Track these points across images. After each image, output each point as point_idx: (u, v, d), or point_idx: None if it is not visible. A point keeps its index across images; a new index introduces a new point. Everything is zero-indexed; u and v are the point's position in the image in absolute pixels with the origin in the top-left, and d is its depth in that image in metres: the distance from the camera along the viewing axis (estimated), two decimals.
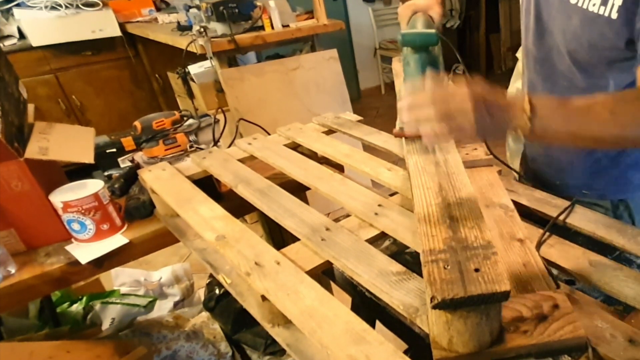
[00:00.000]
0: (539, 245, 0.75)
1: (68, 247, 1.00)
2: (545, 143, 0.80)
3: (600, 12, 0.78)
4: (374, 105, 4.96)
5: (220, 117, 1.34)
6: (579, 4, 0.81)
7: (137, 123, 1.20)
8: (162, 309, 1.77)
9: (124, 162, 1.36)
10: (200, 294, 1.84)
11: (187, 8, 2.84)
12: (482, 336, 0.49)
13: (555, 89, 0.94)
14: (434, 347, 0.51)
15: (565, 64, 0.89)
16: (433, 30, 0.80)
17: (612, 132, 0.67)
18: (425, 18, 0.94)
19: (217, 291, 1.58)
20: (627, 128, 0.66)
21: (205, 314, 1.62)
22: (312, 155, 1.12)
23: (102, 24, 3.15)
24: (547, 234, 0.79)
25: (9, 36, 2.99)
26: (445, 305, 0.46)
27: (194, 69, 2.58)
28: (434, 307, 0.47)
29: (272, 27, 2.57)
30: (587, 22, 0.81)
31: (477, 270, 0.49)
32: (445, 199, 0.66)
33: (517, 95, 0.68)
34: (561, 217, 0.84)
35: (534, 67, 0.99)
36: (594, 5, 0.79)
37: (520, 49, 1.11)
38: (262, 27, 2.56)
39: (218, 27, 2.42)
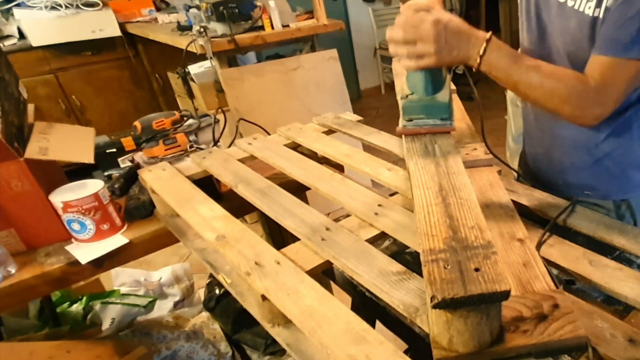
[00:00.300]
0: (539, 245, 0.75)
1: (68, 247, 1.00)
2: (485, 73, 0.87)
3: (596, 14, 0.81)
4: (374, 105, 4.96)
5: (220, 117, 1.34)
6: (576, 7, 0.84)
7: (137, 123, 1.20)
8: (162, 309, 1.77)
9: (124, 162, 1.36)
10: (200, 294, 1.84)
11: (187, 8, 2.84)
12: (482, 336, 0.49)
13: None
14: (434, 347, 0.51)
15: (565, 65, 0.90)
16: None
17: (535, 92, 0.84)
18: None
19: (217, 291, 1.58)
20: (550, 92, 0.82)
21: (205, 314, 1.62)
22: (312, 155, 1.12)
23: (102, 24, 3.15)
24: (547, 234, 0.79)
25: (9, 36, 2.99)
26: (445, 305, 0.46)
27: (194, 69, 2.58)
28: (434, 307, 0.47)
29: (272, 27, 2.57)
30: (583, 25, 0.83)
31: (477, 269, 0.49)
32: (445, 199, 0.66)
33: (478, 30, 0.78)
34: (561, 217, 0.84)
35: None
36: (589, 8, 0.82)
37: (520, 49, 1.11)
38: (262, 27, 2.56)
39: (218, 27, 2.42)
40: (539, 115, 1.07)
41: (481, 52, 0.78)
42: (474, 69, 0.80)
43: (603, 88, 0.81)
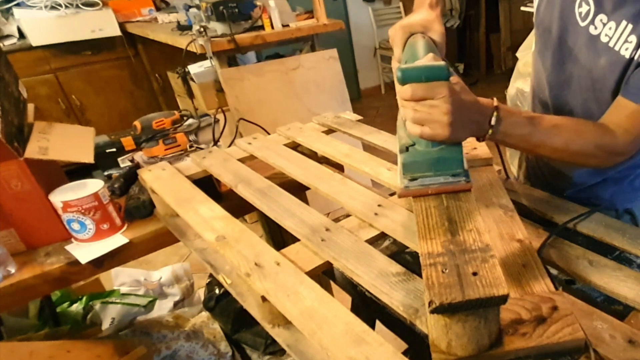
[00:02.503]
0: (541, 249, 0.75)
1: (68, 247, 1.00)
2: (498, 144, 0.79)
3: (632, 56, 0.73)
4: (374, 105, 4.96)
5: (220, 116, 1.34)
6: (611, 44, 0.76)
7: (137, 123, 1.20)
8: (162, 309, 1.77)
9: (124, 162, 1.36)
10: (200, 293, 1.84)
11: (187, 8, 2.84)
12: (481, 339, 0.49)
13: (565, 108, 0.91)
14: (433, 350, 0.51)
15: (584, 95, 0.85)
16: (442, 63, 0.61)
17: (559, 154, 0.75)
18: (426, 42, 0.73)
19: (217, 291, 1.58)
20: (576, 152, 0.75)
21: (205, 314, 1.62)
22: (312, 155, 1.12)
23: (102, 24, 3.15)
24: (544, 233, 0.79)
25: (8, 36, 2.99)
26: (443, 310, 0.46)
27: (193, 68, 2.58)
28: (432, 312, 0.46)
29: (272, 27, 2.57)
30: (616, 65, 0.76)
31: (475, 274, 0.49)
32: (444, 202, 0.65)
33: (487, 101, 0.68)
34: (560, 217, 0.84)
35: (548, 88, 0.94)
36: (626, 49, 0.74)
37: (530, 52, 1.07)
38: (262, 27, 2.56)
39: (218, 27, 2.42)
40: None
41: (493, 121, 0.67)
42: (483, 140, 0.70)
43: (632, 138, 0.75)
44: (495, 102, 0.68)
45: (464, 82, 0.66)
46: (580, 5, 0.81)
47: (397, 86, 0.63)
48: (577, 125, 0.76)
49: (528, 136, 0.71)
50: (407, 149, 0.65)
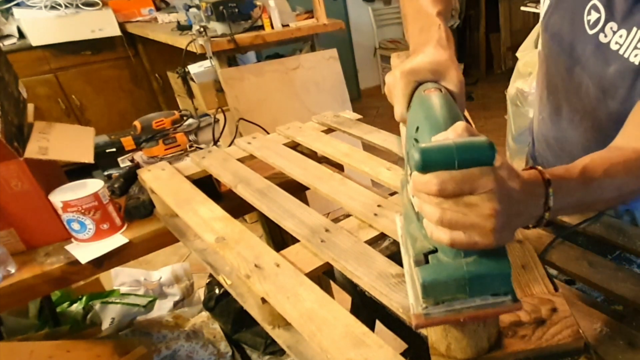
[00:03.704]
0: (544, 251, 0.75)
1: (68, 247, 1.00)
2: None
3: None
4: (374, 104, 4.96)
5: (220, 116, 1.34)
6: (621, 52, 0.72)
7: (136, 123, 1.20)
8: (162, 309, 1.77)
9: (124, 162, 1.36)
10: (200, 293, 1.84)
11: (187, 8, 2.84)
12: (480, 342, 0.49)
13: (576, 116, 0.89)
14: (432, 353, 0.51)
15: (593, 103, 0.82)
16: (484, 139, 0.41)
17: (613, 202, 0.62)
18: (444, 98, 0.52)
19: (217, 291, 1.58)
20: (628, 194, 0.61)
21: (205, 314, 1.62)
22: (312, 155, 1.12)
23: (101, 24, 3.15)
24: (549, 236, 0.79)
25: (8, 36, 2.99)
26: None
27: (193, 68, 2.58)
28: None
29: (272, 27, 2.57)
30: (626, 73, 0.72)
31: None
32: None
33: (533, 176, 0.50)
34: (560, 217, 0.84)
35: (562, 94, 0.90)
36: (635, 55, 0.70)
37: (530, 52, 1.04)
38: (261, 27, 2.56)
39: (218, 27, 2.42)
40: (561, 140, 0.94)
41: (551, 202, 0.49)
42: (537, 227, 0.53)
43: None
44: (543, 173, 0.51)
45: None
46: (589, 13, 0.78)
47: (414, 173, 0.42)
48: (625, 162, 0.61)
49: (581, 200, 0.55)
50: (426, 258, 0.44)
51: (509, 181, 0.42)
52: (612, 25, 0.75)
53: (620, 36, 0.73)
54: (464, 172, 0.40)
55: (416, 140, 0.49)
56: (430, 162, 0.40)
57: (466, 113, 0.71)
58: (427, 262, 0.44)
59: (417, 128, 0.49)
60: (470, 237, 0.41)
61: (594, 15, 0.77)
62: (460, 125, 0.43)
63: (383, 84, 5.33)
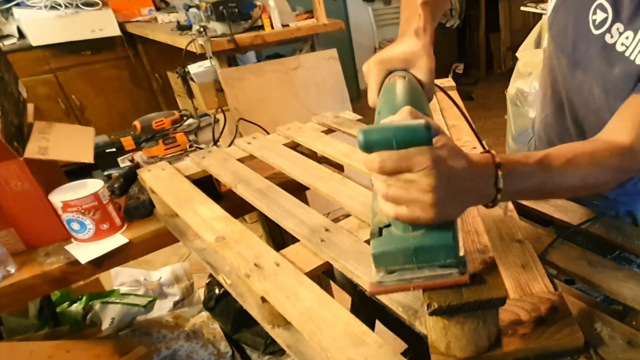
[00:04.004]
0: (544, 252, 0.75)
1: (68, 247, 1.00)
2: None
3: None
4: None
5: (220, 116, 1.34)
6: (627, 54, 0.72)
7: (136, 123, 1.20)
8: (162, 309, 1.77)
9: (124, 162, 1.36)
10: (200, 293, 1.85)
11: (187, 8, 2.84)
12: (480, 341, 0.49)
13: (579, 113, 0.89)
14: (432, 352, 0.51)
15: (597, 103, 0.82)
16: (421, 121, 0.44)
17: (578, 191, 0.65)
18: (406, 84, 0.56)
19: (216, 291, 1.59)
20: (594, 184, 0.63)
21: (205, 314, 1.62)
22: (312, 155, 1.12)
23: (101, 24, 3.15)
24: (549, 236, 0.79)
25: (8, 36, 2.99)
26: (442, 312, 0.46)
27: (193, 68, 2.58)
28: (431, 314, 0.46)
29: (272, 27, 2.57)
30: (630, 75, 0.72)
31: (473, 275, 0.49)
32: None
33: (483, 158, 0.52)
34: (559, 216, 0.84)
35: (565, 92, 0.90)
36: None
37: (530, 52, 1.03)
38: (261, 27, 2.56)
39: (218, 27, 2.42)
40: (564, 138, 0.94)
41: (501, 183, 0.51)
42: (492, 207, 0.54)
43: None
44: (494, 156, 0.52)
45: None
46: (594, 13, 0.78)
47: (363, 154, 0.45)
48: (591, 153, 0.63)
49: (541, 185, 0.57)
50: (380, 231, 0.48)
51: (450, 160, 0.45)
52: (619, 26, 0.74)
53: (627, 38, 0.73)
54: (402, 151, 0.43)
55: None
56: (371, 142, 0.43)
57: (464, 111, 0.72)
58: (380, 235, 0.48)
59: (379, 112, 0.53)
60: (412, 211, 0.44)
61: (600, 15, 0.76)
62: (405, 109, 0.46)
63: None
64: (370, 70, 0.61)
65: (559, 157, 0.59)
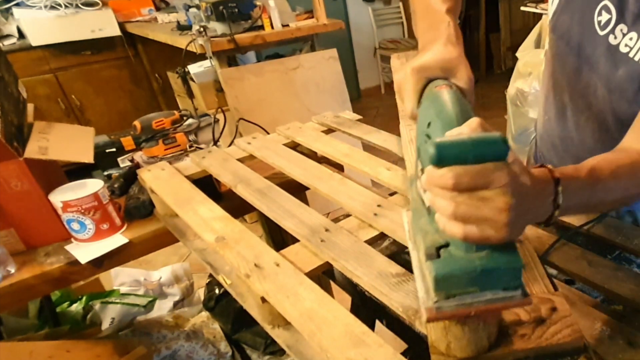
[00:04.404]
0: (546, 253, 0.75)
1: (68, 247, 1.00)
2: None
3: None
4: (374, 104, 4.96)
5: (220, 116, 1.34)
6: (631, 55, 0.72)
7: (136, 123, 1.20)
8: (162, 309, 1.77)
9: (124, 162, 1.36)
10: (200, 293, 1.85)
11: (187, 8, 2.84)
12: (480, 341, 0.49)
13: (582, 116, 0.88)
14: (432, 352, 0.51)
15: (600, 104, 0.81)
16: (498, 134, 0.41)
17: (617, 204, 0.63)
18: (455, 95, 0.52)
19: (217, 291, 1.59)
20: (633, 196, 0.62)
21: (205, 314, 1.62)
22: (312, 155, 1.12)
23: (101, 24, 3.15)
24: (549, 237, 0.79)
25: (8, 35, 2.99)
26: None
27: (193, 68, 2.58)
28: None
29: (272, 27, 2.57)
30: (635, 76, 0.72)
31: None
32: None
33: (542, 174, 0.50)
34: (558, 215, 0.84)
35: (568, 94, 0.90)
36: None
37: (530, 52, 1.03)
38: (261, 27, 2.56)
39: (218, 27, 2.42)
40: (566, 140, 0.94)
41: (560, 200, 0.50)
42: (545, 226, 0.54)
43: None
44: (552, 171, 0.51)
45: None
46: (600, 14, 0.77)
47: (428, 168, 0.42)
48: (631, 165, 0.62)
49: (588, 200, 0.56)
50: (437, 252, 0.45)
51: (521, 177, 0.43)
52: (622, 27, 0.74)
53: (631, 39, 0.73)
54: (479, 166, 0.40)
55: (428, 136, 0.49)
56: (445, 156, 0.40)
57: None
58: (438, 256, 0.44)
59: (429, 124, 0.49)
60: (483, 231, 0.41)
61: (604, 16, 0.76)
62: (475, 120, 0.44)
63: (383, 84, 5.35)
64: (406, 79, 0.58)
65: (603, 170, 0.57)
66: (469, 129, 0.43)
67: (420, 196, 0.52)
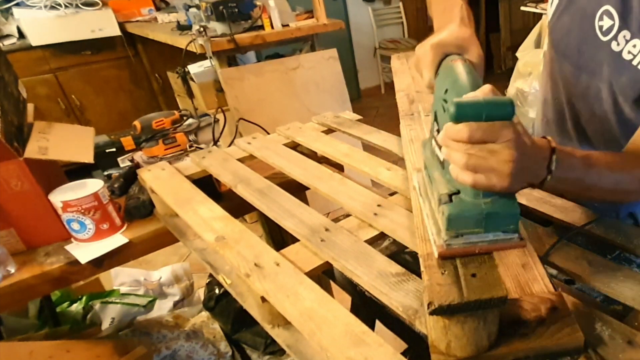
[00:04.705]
0: (546, 253, 0.75)
1: (68, 247, 1.00)
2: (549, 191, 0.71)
3: None
4: (374, 105, 4.96)
5: (220, 116, 1.34)
6: (634, 62, 0.73)
7: (136, 122, 1.20)
8: (162, 309, 1.77)
9: (124, 162, 1.36)
10: (200, 293, 1.85)
11: (187, 7, 2.84)
12: (480, 340, 0.49)
13: (582, 119, 0.88)
14: (432, 351, 0.51)
15: (602, 107, 0.82)
16: (508, 98, 0.50)
17: (607, 195, 0.69)
18: (468, 66, 0.60)
19: (217, 291, 1.59)
20: (622, 191, 0.69)
21: (205, 314, 1.62)
22: (312, 155, 1.12)
23: (101, 24, 3.15)
24: (549, 237, 0.79)
25: (8, 35, 2.99)
26: (442, 311, 0.46)
27: (193, 68, 2.58)
28: (431, 313, 0.47)
29: (272, 27, 2.57)
30: (638, 84, 0.73)
31: (474, 275, 0.49)
32: None
33: (541, 141, 0.57)
34: (559, 215, 0.84)
35: (567, 96, 0.90)
36: None
37: (530, 52, 1.03)
38: (261, 27, 2.56)
39: (218, 27, 2.42)
40: (566, 143, 0.94)
41: (553, 166, 0.57)
42: (538, 188, 0.60)
43: None
44: (550, 141, 0.58)
45: None
46: (601, 19, 0.77)
47: (447, 124, 0.50)
48: (626, 162, 0.68)
49: (582, 179, 0.62)
50: (450, 197, 0.53)
51: (524, 136, 0.51)
52: (626, 33, 0.74)
53: (634, 46, 0.73)
54: (490, 123, 0.48)
55: (445, 100, 0.57)
56: (463, 114, 0.49)
57: None
58: (451, 201, 0.53)
59: (446, 90, 0.58)
60: (489, 179, 0.49)
61: (607, 22, 0.76)
62: (487, 86, 0.51)
63: (383, 84, 5.35)
64: (426, 53, 0.65)
65: (599, 158, 0.65)
66: (482, 93, 0.50)
67: (434, 153, 0.62)
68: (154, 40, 2.96)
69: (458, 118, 0.49)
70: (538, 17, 3.56)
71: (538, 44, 2.95)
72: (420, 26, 5.29)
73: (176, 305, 1.86)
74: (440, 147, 0.56)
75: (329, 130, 1.22)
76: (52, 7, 2.98)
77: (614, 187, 0.66)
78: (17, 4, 2.95)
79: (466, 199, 0.53)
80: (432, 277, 0.50)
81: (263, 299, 0.67)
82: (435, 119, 0.62)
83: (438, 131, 0.59)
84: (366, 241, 0.76)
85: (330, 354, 0.55)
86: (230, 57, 2.66)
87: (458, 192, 0.53)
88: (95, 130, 1.24)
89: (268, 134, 1.25)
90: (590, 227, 0.81)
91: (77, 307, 1.54)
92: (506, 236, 0.53)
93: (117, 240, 1.02)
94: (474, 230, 0.52)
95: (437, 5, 0.80)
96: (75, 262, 0.97)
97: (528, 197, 0.91)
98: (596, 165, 0.64)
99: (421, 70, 0.67)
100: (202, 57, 2.48)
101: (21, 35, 3.01)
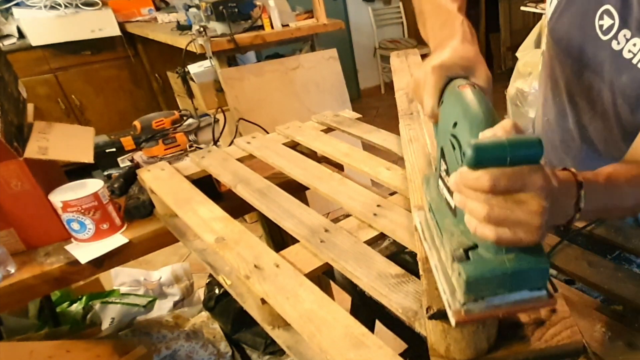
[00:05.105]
0: (547, 254, 0.75)
1: (68, 247, 1.00)
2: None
3: None
4: (374, 104, 4.96)
5: (220, 116, 1.34)
6: (634, 61, 0.72)
7: (136, 122, 1.20)
8: (162, 309, 1.77)
9: (124, 162, 1.36)
10: (200, 293, 1.84)
11: (187, 7, 2.84)
12: (479, 344, 0.49)
13: (584, 118, 0.88)
14: (431, 354, 0.51)
15: (603, 106, 0.81)
16: (536, 137, 0.41)
17: (632, 209, 0.64)
18: (480, 94, 0.50)
19: (216, 291, 1.59)
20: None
21: (205, 314, 1.62)
22: (312, 154, 1.11)
23: (101, 24, 3.15)
24: (549, 237, 0.79)
25: (8, 35, 2.99)
26: (441, 315, 0.46)
27: (193, 68, 2.58)
28: (430, 318, 0.46)
29: (272, 27, 2.57)
30: (638, 84, 0.72)
31: None
32: None
33: (566, 176, 0.52)
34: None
35: (569, 95, 0.89)
36: None
37: (530, 52, 1.02)
38: (261, 27, 2.56)
39: (218, 27, 2.42)
40: (567, 142, 0.94)
41: (582, 204, 0.52)
42: (564, 229, 0.57)
43: None
44: (577, 175, 0.53)
45: None
46: (601, 18, 0.77)
47: (462, 170, 0.42)
48: None
49: (606, 204, 0.57)
50: (467, 254, 0.44)
51: (552, 178, 0.43)
52: (626, 32, 0.74)
53: (634, 45, 0.72)
54: (516, 169, 0.40)
55: (454, 136, 0.48)
56: (483, 158, 0.40)
57: None
58: (468, 258, 0.44)
59: (455, 124, 0.48)
60: (515, 233, 0.41)
61: (607, 21, 0.76)
62: (508, 122, 0.43)
63: (383, 84, 5.34)
64: (427, 77, 0.56)
65: (619, 176, 0.59)
66: (504, 130, 0.42)
67: (442, 196, 0.52)
68: (154, 40, 2.96)
69: (477, 163, 0.40)
70: (538, 17, 3.56)
71: (538, 44, 2.95)
72: None
73: (176, 305, 1.86)
74: (450, 191, 0.47)
75: (329, 130, 1.22)
76: (52, 7, 2.98)
77: (635, 203, 0.61)
78: (17, 4, 2.95)
79: (486, 256, 0.44)
80: (430, 281, 0.50)
81: (263, 301, 0.66)
82: (442, 156, 0.53)
83: (447, 172, 0.49)
84: (366, 242, 0.76)
85: (330, 356, 0.55)
86: (230, 57, 2.66)
87: (475, 247, 0.44)
88: (95, 130, 1.24)
89: (268, 133, 1.25)
90: (591, 228, 0.81)
91: (77, 307, 1.54)
92: (533, 294, 0.44)
93: (117, 240, 1.02)
94: (497, 291, 0.43)
95: (433, 20, 0.71)
96: (75, 262, 0.97)
97: None
98: (617, 184, 0.59)
99: (421, 96, 0.57)
100: (202, 57, 2.48)
101: (21, 35, 3.01)
